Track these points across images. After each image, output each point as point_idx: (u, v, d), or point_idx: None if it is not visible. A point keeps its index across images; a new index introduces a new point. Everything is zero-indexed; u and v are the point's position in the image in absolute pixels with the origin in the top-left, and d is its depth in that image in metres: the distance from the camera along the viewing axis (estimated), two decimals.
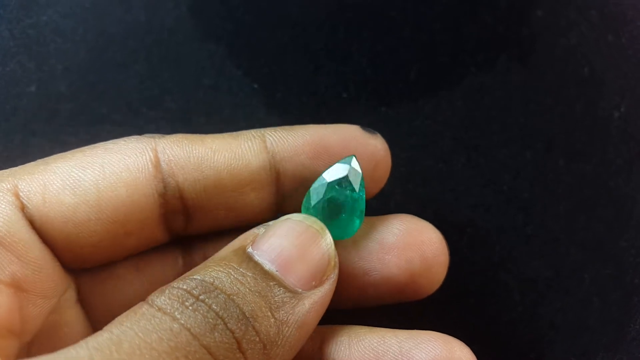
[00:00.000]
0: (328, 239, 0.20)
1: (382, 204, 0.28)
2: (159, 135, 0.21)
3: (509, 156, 0.28)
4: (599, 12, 0.30)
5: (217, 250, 0.23)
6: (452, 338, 0.20)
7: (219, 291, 0.17)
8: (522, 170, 0.28)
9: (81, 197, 0.19)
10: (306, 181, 0.22)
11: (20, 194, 0.19)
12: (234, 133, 0.22)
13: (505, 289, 0.27)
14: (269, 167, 0.21)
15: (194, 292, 0.17)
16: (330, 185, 0.21)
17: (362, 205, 0.21)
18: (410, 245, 0.21)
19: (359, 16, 0.30)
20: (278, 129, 0.22)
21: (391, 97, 0.29)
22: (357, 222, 0.21)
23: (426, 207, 0.28)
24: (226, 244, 0.22)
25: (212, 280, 0.17)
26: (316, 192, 0.21)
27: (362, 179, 0.21)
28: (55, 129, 0.29)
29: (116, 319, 0.16)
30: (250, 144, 0.21)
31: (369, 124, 0.29)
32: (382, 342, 0.20)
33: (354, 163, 0.21)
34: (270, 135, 0.21)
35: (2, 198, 0.19)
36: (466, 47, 0.30)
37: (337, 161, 0.21)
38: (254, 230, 0.20)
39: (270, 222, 0.20)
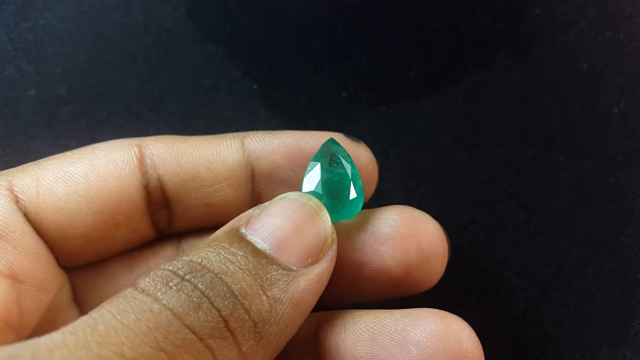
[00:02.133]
0: (324, 215, 0.19)
1: (383, 202, 0.28)
2: (145, 137, 0.22)
3: (510, 153, 0.28)
4: (597, 9, 0.30)
5: None
6: (447, 313, 0.19)
7: (206, 270, 0.17)
8: (522, 167, 0.28)
9: (72, 188, 0.20)
10: (282, 181, 0.22)
11: (14, 188, 0.20)
12: (218, 135, 0.22)
13: (507, 286, 0.27)
14: (245, 164, 0.22)
15: (180, 272, 0.16)
16: (323, 167, 0.20)
17: (359, 181, 0.21)
18: (405, 236, 0.21)
19: (358, 16, 0.30)
20: (260, 132, 0.22)
21: (391, 96, 0.29)
22: (359, 198, 0.21)
23: (427, 205, 0.28)
24: None
25: (199, 260, 0.17)
26: (309, 178, 0.21)
27: (349, 156, 0.21)
28: (55, 133, 0.29)
29: (100, 304, 0.16)
30: (228, 142, 0.22)
31: (368, 123, 0.29)
32: (377, 322, 0.20)
33: (336, 142, 0.21)
34: (250, 137, 0.22)
35: None
36: (465, 46, 0.30)
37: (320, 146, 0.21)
38: (249, 212, 0.19)
39: (266, 203, 0.19)
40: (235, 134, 0.22)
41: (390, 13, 0.30)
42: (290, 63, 0.30)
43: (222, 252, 0.17)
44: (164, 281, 0.16)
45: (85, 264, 0.22)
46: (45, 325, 0.20)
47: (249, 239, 0.18)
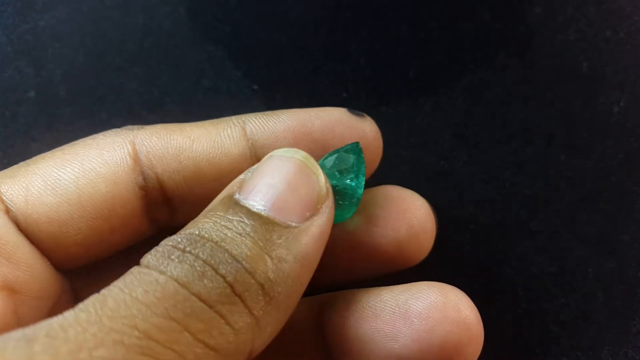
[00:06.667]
0: (314, 167, 0.19)
1: None
2: (139, 126, 0.21)
3: (510, 152, 0.28)
4: (596, 7, 0.30)
5: None
6: (445, 285, 0.20)
7: (205, 240, 0.16)
8: (523, 166, 0.28)
9: (62, 196, 0.19)
10: None
11: (3, 197, 0.19)
12: (215, 120, 0.22)
13: (509, 285, 0.27)
14: (249, 155, 0.21)
15: (180, 245, 0.16)
16: (331, 172, 0.20)
17: (360, 193, 0.21)
18: (395, 215, 0.21)
19: (356, 15, 0.30)
20: (260, 114, 0.21)
21: (391, 95, 0.29)
22: (353, 208, 0.21)
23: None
24: None
25: (197, 232, 0.17)
26: None
27: (364, 166, 0.21)
28: (55, 134, 0.29)
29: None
30: (229, 131, 0.21)
31: None
32: (378, 299, 0.20)
33: (358, 150, 0.21)
34: (251, 122, 0.21)
35: None
36: (464, 45, 0.30)
37: (342, 147, 0.21)
38: (241, 177, 0.19)
39: (255, 165, 0.19)
40: (235, 118, 0.21)
41: (389, 12, 0.30)
42: (290, 63, 0.30)
43: (219, 220, 0.17)
44: (166, 255, 0.16)
45: (82, 265, 0.21)
46: None
47: (243, 203, 0.17)
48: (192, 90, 0.29)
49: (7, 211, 0.19)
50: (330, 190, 0.19)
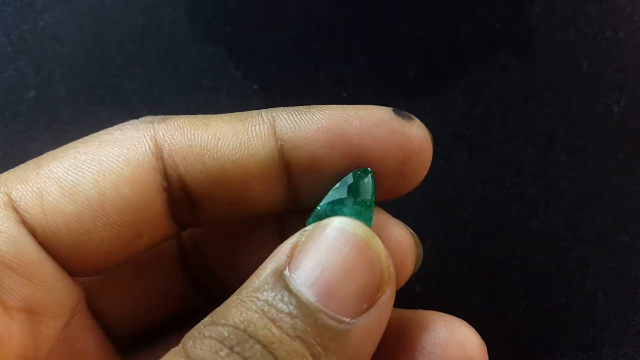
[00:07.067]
0: (377, 247, 0.16)
1: (382, 202, 0.28)
2: (159, 118, 0.19)
3: (511, 152, 0.28)
4: (596, 7, 0.30)
5: (214, 244, 0.22)
6: (452, 318, 0.19)
7: (253, 341, 0.15)
8: (524, 166, 0.28)
9: (83, 204, 0.17)
10: (321, 174, 0.19)
11: (17, 205, 0.17)
12: (244, 114, 0.19)
13: (509, 285, 0.27)
14: (277, 157, 0.18)
15: (227, 342, 0.15)
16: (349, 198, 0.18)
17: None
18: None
19: (356, 16, 0.30)
20: (292, 110, 0.19)
21: (391, 95, 0.29)
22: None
23: (429, 204, 0.28)
24: (225, 234, 0.21)
25: (244, 327, 0.15)
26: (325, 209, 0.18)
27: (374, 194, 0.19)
28: (56, 134, 0.29)
29: None
30: (258, 129, 0.18)
31: None
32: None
33: (368, 175, 0.18)
34: (282, 119, 0.19)
35: (0, 214, 0.17)
36: (464, 45, 0.30)
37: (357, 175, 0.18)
38: (292, 240, 0.17)
39: (309, 227, 0.17)
40: (264, 113, 0.19)
41: (390, 13, 0.30)
42: (290, 63, 0.30)
43: (267, 312, 0.15)
44: (214, 351, 0.15)
45: (103, 273, 0.20)
46: (59, 341, 0.19)
47: (292, 287, 0.15)
48: (192, 90, 0.29)
49: (24, 222, 0.17)
50: (393, 275, 0.17)
